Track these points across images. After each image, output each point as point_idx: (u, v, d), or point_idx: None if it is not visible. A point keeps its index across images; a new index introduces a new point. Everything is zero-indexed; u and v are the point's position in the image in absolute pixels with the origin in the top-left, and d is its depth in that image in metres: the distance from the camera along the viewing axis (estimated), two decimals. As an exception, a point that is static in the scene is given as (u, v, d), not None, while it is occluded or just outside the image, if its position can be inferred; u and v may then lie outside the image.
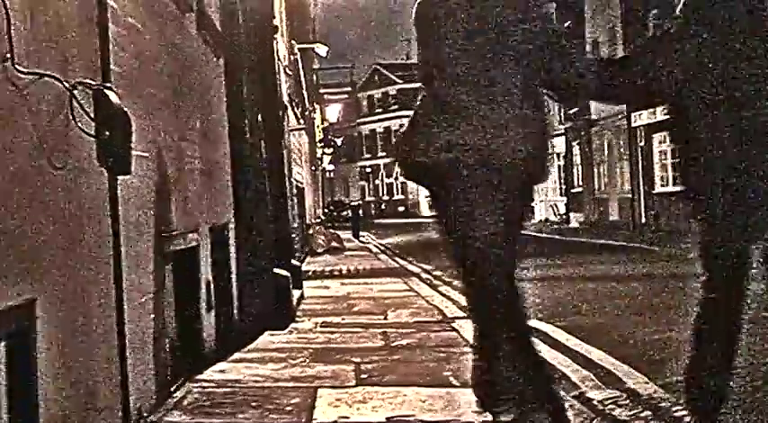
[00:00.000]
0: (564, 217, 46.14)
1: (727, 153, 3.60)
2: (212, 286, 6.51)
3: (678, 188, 4.42)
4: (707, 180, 3.67)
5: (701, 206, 3.76)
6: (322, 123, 39.66)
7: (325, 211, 45.47)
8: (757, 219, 3.64)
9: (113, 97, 3.68)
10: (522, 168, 3.85)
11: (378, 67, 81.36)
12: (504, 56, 3.86)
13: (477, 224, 3.81)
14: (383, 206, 78.07)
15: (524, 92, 3.85)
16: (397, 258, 19.97)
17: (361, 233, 31.48)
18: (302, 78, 21.91)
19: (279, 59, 12.37)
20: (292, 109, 18.57)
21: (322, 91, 36.52)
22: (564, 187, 48.27)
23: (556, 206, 50.29)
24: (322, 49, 26.61)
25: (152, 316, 4.65)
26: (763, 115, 3.58)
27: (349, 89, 79.64)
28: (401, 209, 76.19)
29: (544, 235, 33.11)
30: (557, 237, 30.61)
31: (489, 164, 3.78)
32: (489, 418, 4.05)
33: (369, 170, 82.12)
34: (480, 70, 3.84)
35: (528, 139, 3.85)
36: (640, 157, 33.52)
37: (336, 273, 15.66)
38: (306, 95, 24.22)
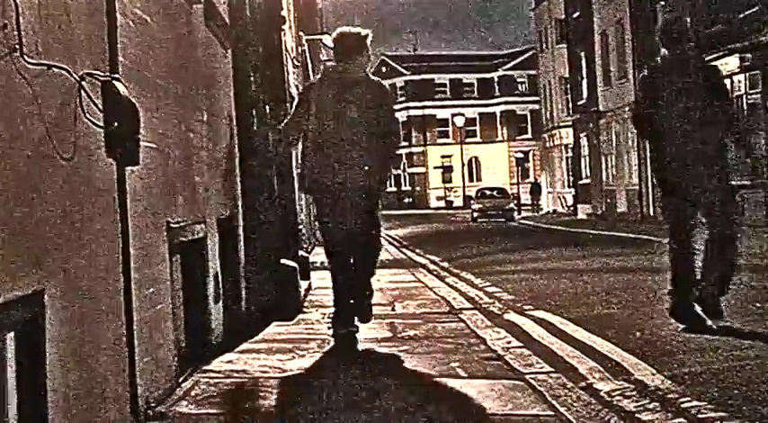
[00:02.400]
0: (572, 208, 46.09)
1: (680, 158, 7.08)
2: (220, 277, 6.52)
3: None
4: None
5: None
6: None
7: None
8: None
9: (121, 88, 3.69)
10: (361, 188, 6.46)
11: (385, 58, 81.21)
12: (355, 122, 6.49)
13: (333, 219, 6.58)
14: (391, 197, 78.10)
15: (368, 144, 6.47)
16: (404, 249, 19.98)
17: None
18: (310, 69, 21.89)
19: (287, 51, 12.38)
20: (300, 100, 18.51)
21: (330, 82, 36.36)
22: (572, 179, 48.20)
23: (564, 198, 50.23)
24: (330, 40, 26.56)
25: (160, 306, 4.66)
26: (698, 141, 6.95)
27: (357, 80, 79.39)
28: (408, 200, 76.21)
29: (552, 226, 33.13)
30: (564, 228, 30.60)
31: (341, 186, 6.44)
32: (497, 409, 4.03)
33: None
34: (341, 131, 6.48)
35: (367, 173, 6.45)
36: (648, 149, 33.39)
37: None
38: (313, 87, 24.15)
